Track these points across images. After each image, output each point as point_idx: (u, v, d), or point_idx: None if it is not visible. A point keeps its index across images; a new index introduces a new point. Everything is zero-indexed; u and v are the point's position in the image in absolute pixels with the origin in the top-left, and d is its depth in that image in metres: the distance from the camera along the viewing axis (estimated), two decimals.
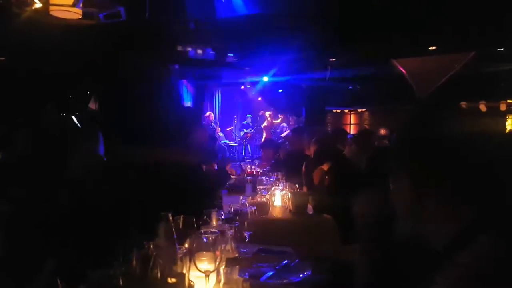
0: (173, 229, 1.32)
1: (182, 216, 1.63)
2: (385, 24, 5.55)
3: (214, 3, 6.74)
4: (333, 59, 7.62)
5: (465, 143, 0.82)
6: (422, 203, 0.85)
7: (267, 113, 11.52)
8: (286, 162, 4.19)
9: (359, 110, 14.36)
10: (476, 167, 0.81)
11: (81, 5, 4.32)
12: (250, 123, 12.67)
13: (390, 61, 9.24)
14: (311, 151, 3.96)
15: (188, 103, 11.85)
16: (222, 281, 1.59)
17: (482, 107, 11.20)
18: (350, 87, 11.90)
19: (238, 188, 3.77)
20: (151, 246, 1.35)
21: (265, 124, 11.51)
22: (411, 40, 5.80)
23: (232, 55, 7.41)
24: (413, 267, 0.94)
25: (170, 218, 1.33)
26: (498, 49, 6.58)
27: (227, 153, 11.72)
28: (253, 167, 4.78)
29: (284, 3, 6.28)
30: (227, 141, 12.01)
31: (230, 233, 1.57)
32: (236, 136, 12.34)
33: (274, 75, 10.01)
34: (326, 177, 3.14)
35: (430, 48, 6.27)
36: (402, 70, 9.78)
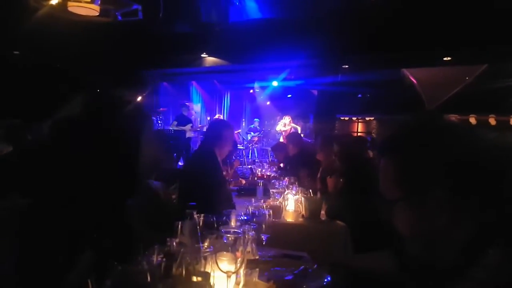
0: (198, 227, 1.30)
1: (202, 215, 1.60)
2: (402, 33, 5.53)
3: (227, 7, 6.75)
4: (346, 66, 7.59)
5: (485, 155, 0.79)
6: (450, 223, 0.80)
7: (287, 118, 11.51)
8: (299, 167, 4.15)
9: (367, 118, 14.27)
10: (491, 180, 0.78)
11: (99, 2, 4.34)
12: (257, 127, 12.66)
13: (401, 71, 9.18)
14: (323, 157, 3.91)
15: (197, 105, 11.87)
16: (242, 283, 1.55)
17: (492, 121, 11.11)
18: (359, 95, 11.85)
19: (248, 191, 3.74)
20: (174, 244, 1.33)
21: (285, 128, 11.49)
22: (427, 50, 5.77)
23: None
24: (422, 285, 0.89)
25: (195, 216, 1.31)
26: None
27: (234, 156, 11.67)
28: (263, 170, 4.74)
29: (298, 9, 6.28)
30: None
31: (251, 234, 1.54)
32: (243, 139, 12.33)
33: (284, 80, 10.01)
34: (341, 181, 3.10)
35: (444, 58, 6.23)
36: (413, 79, 9.72)
